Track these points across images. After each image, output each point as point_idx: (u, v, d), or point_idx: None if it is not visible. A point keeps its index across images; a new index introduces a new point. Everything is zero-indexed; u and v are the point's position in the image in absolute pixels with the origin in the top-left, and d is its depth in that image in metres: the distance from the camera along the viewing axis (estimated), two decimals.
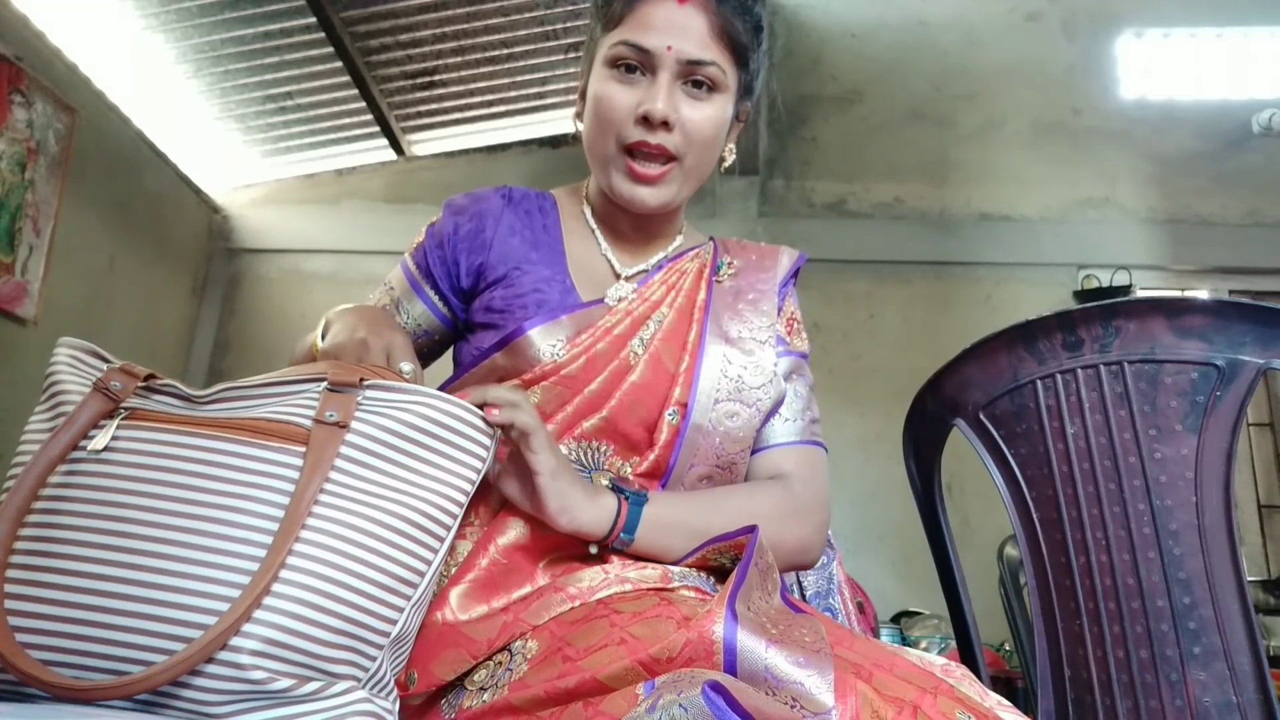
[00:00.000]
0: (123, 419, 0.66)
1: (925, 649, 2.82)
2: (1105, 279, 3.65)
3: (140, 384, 0.69)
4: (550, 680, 0.64)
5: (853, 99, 4.02)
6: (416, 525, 0.66)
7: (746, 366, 0.92)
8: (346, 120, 3.82)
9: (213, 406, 0.68)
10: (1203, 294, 3.65)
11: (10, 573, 0.60)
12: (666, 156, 0.91)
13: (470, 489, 0.70)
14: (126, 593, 0.58)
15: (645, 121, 0.89)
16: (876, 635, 1.02)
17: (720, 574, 0.85)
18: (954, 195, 3.87)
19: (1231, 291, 3.63)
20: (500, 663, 0.72)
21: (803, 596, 0.98)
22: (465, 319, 0.97)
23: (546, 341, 0.89)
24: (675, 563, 0.84)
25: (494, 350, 0.90)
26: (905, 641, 2.97)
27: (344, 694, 0.61)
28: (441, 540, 0.68)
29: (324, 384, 0.69)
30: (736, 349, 0.93)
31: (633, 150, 0.91)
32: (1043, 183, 3.83)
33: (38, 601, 0.59)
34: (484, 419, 0.72)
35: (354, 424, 0.66)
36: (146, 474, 0.62)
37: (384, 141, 3.91)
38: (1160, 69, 3.88)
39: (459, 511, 0.69)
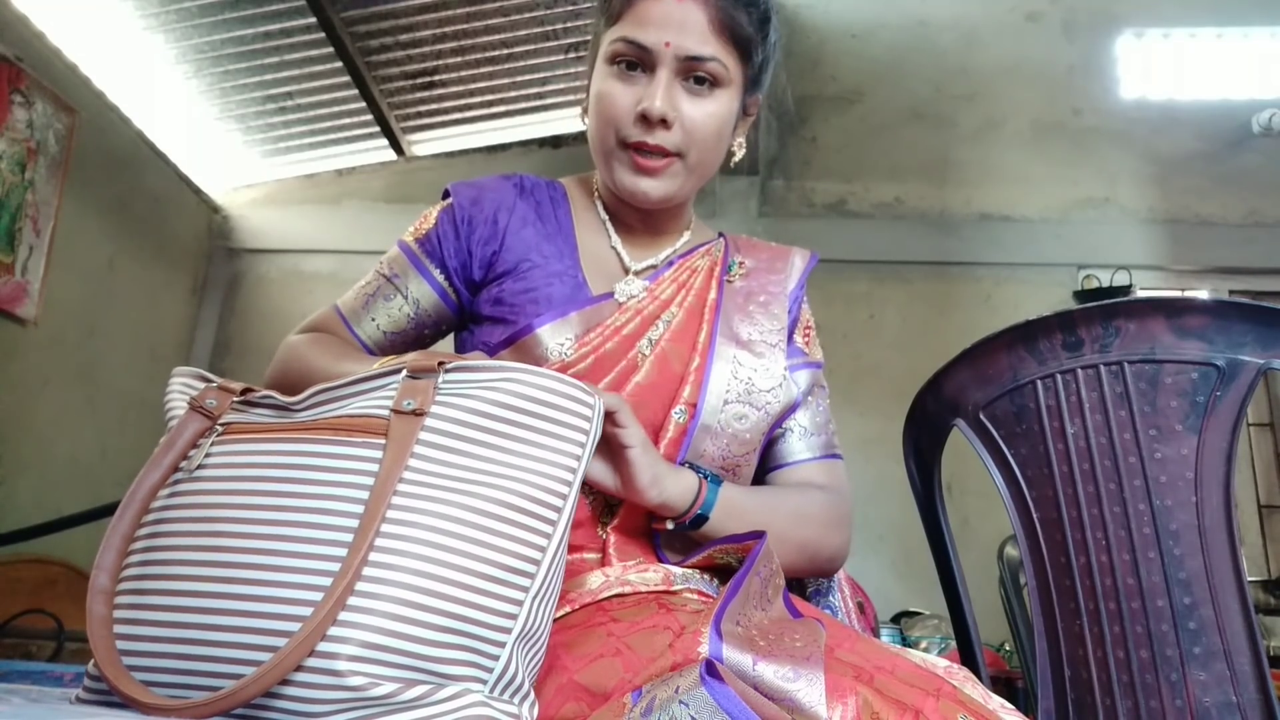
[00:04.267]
0: (218, 435, 0.65)
1: (925, 649, 2.82)
2: (1105, 279, 3.65)
3: (236, 399, 0.68)
4: (550, 702, 0.64)
5: (853, 99, 4.02)
6: (517, 509, 0.61)
7: (757, 369, 0.91)
8: (346, 120, 3.81)
9: (306, 413, 0.66)
10: (1203, 294, 3.65)
11: (121, 599, 0.61)
12: (666, 154, 0.90)
13: (577, 464, 0.64)
14: (220, 607, 0.57)
15: (644, 120, 0.88)
16: (877, 635, 1.02)
17: (724, 574, 0.85)
18: (954, 195, 3.87)
19: (1231, 291, 3.63)
20: None
21: (803, 594, 0.98)
22: (470, 309, 0.96)
23: (555, 340, 0.88)
24: (678, 563, 0.84)
25: (502, 347, 0.89)
26: (905, 641, 2.97)
27: (453, 699, 0.56)
28: (553, 524, 0.62)
29: (403, 373, 0.66)
30: (747, 351, 0.92)
31: (634, 147, 0.90)
32: (1043, 183, 3.83)
33: (142, 624, 0.59)
34: (583, 388, 0.66)
35: (434, 409, 0.62)
36: (236, 485, 0.61)
37: (384, 142, 3.91)
38: (1160, 69, 3.87)
39: (568, 491, 0.63)
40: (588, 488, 0.86)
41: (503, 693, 0.59)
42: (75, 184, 3.16)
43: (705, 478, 0.84)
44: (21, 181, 2.93)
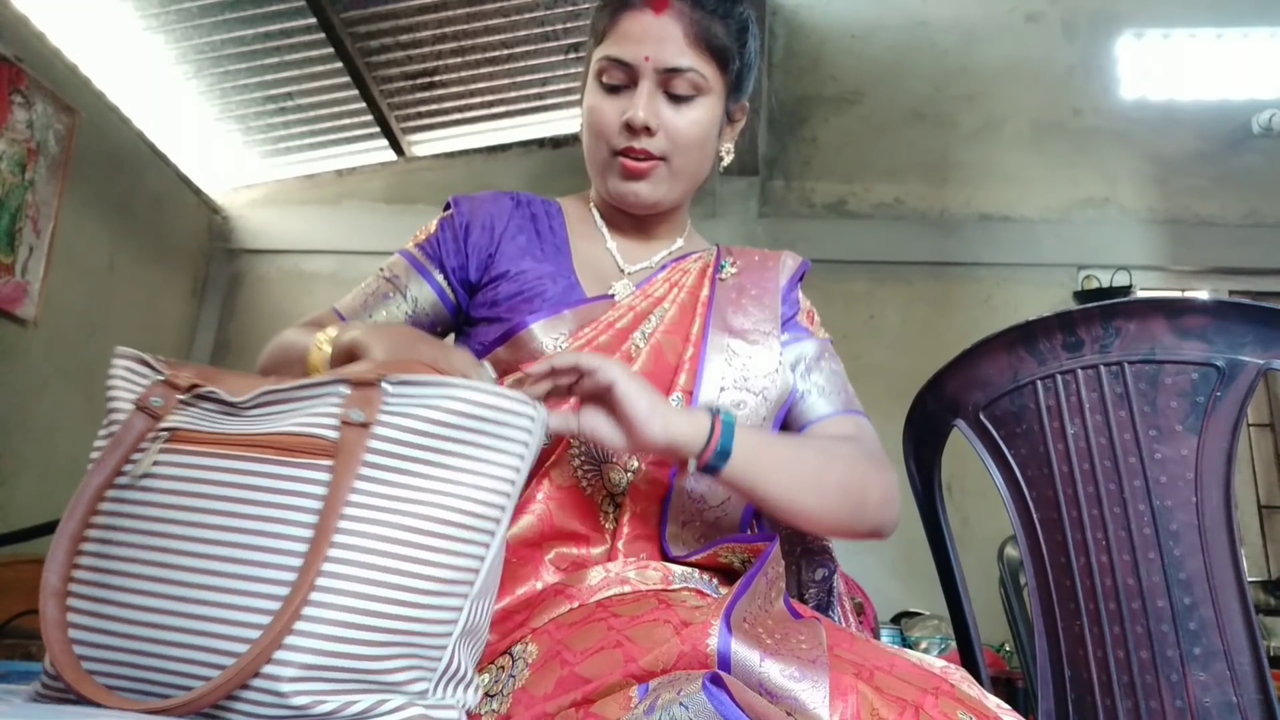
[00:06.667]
0: (165, 441, 0.65)
1: (925, 649, 2.82)
2: (1105, 279, 3.65)
3: (182, 395, 0.68)
4: (551, 695, 0.64)
5: (853, 99, 4.02)
6: (458, 524, 0.63)
7: (752, 356, 0.93)
8: (346, 121, 3.82)
9: (254, 412, 0.67)
10: (1203, 294, 3.65)
11: (76, 602, 0.62)
12: (651, 159, 0.94)
13: (516, 475, 0.66)
14: (172, 624, 0.59)
15: (629, 128, 0.93)
16: (877, 636, 1.02)
17: (726, 575, 0.85)
18: (954, 196, 3.87)
19: (1231, 291, 3.63)
20: (503, 668, 0.72)
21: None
22: (466, 313, 0.99)
23: (549, 335, 0.90)
24: (683, 562, 0.83)
25: (496, 344, 0.91)
26: (905, 642, 2.96)
27: (395, 711, 0.59)
28: (491, 533, 0.64)
29: (346, 385, 0.66)
30: (741, 340, 0.94)
31: (623, 154, 0.94)
32: (1043, 183, 3.83)
33: (98, 632, 0.61)
34: (521, 398, 0.66)
35: (378, 426, 0.64)
36: (185, 500, 0.63)
37: (384, 142, 3.91)
38: (1160, 69, 3.87)
39: (506, 502, 0.65)
40: (591, 478, 0.86)
41: (447, 684, 0.62)
42: (75, 184, 3.16)
43: (716, 412, 0.81)
44: (22, 182, 2.93)
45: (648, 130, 0.92)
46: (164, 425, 0.66)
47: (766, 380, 0.92)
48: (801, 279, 1.05)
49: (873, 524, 0.88)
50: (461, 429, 0.64)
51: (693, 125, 0.94)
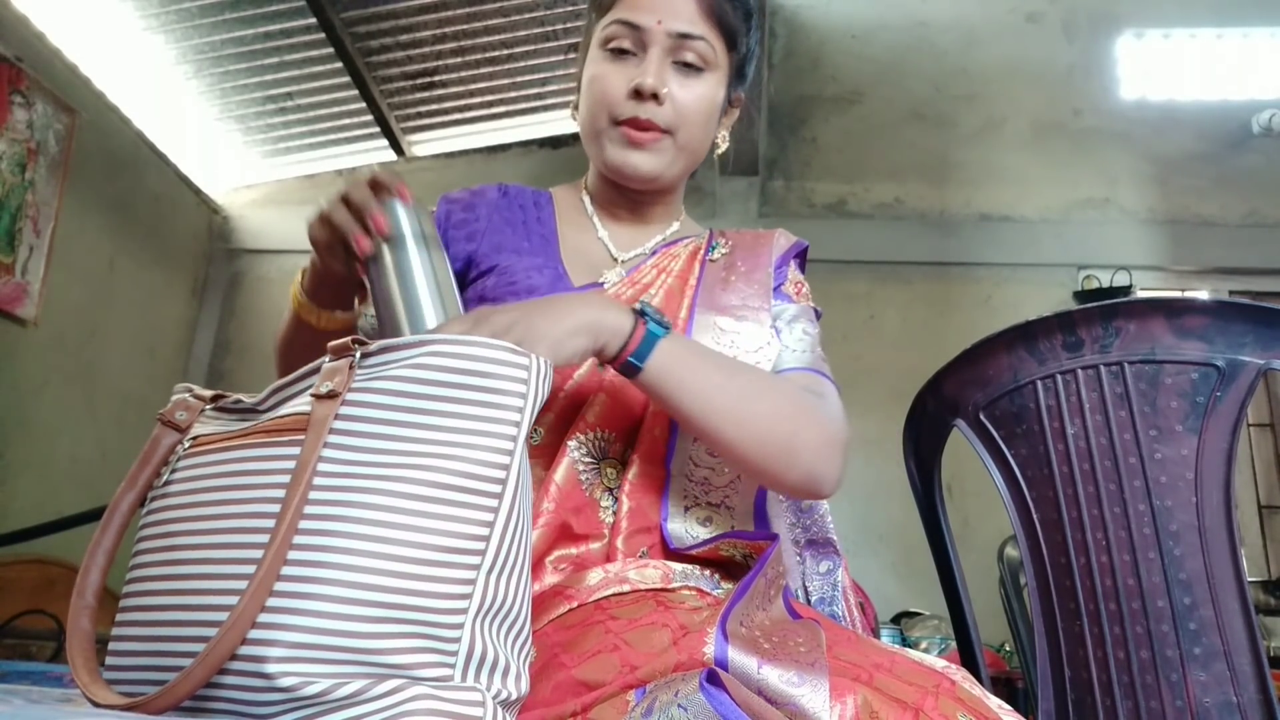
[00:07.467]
0: (185, 450, 0.65)
1: (925, 649, 2.82)
2: (1105, 279, 3.65)
3: (206, 406, 0.68)
4: (549, 701, 0.64)
5: (853, 99, 4.02)
6: (452, 487, 0.57)
7: (740, 332, 0.91)
8: (346, 120, 3.82)
9: (269, 412, 0.66)
10: (1203, 294, 3.65)
11: (118, 616, 0.63)
12: (657, 130, 0.92)
13: (515, 431, 0.60)
14: (175, 619, 0.59)
15: (637, 95, 0.91)
16: (877, 636, 1.02)
17: (728, 569, 0.84)
18: (954, 196, 3.87)
19: (1231, 292, 3.63)
20: None
21: (807, 601, 0.98)
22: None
23: None
24: (684, 556, 0.83)
25: None
26: (905, 642, 2.96)
27: (391, 694, 0.54)
28: (496, 497, 0.58)
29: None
30: (729, 316, 0.92)
31: (627, 124, 0.92)
32: (1043, 183, 3.83)
33: (122, 640, 0.62)
34: (512, 348, 0.62)
35: (351, 393, 0.60)
36: (190, 498, 0.63)
37: (384, 142, 3.91)
38: (1160, 69, 3.88)
39: (509, 461, 0.59)
40: (590, 475, 0.85)
41: (477, 672, 0.57)
42: (75, 184, 3.16)
43: (643, 314, 0.77)
44: (21, 182, 2.93)
45: (655, 98, 0.90)
46: (189, 435, 0.67)
47: (758, 354, 0.90)
48: (800, 258, 1.04)
49: (805, 471, 0.81)
50: (445, 385, 0.59)
51: (699, 99, 0.93)
